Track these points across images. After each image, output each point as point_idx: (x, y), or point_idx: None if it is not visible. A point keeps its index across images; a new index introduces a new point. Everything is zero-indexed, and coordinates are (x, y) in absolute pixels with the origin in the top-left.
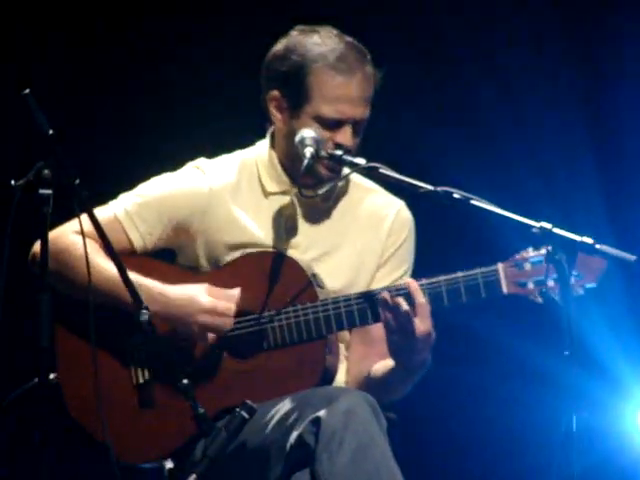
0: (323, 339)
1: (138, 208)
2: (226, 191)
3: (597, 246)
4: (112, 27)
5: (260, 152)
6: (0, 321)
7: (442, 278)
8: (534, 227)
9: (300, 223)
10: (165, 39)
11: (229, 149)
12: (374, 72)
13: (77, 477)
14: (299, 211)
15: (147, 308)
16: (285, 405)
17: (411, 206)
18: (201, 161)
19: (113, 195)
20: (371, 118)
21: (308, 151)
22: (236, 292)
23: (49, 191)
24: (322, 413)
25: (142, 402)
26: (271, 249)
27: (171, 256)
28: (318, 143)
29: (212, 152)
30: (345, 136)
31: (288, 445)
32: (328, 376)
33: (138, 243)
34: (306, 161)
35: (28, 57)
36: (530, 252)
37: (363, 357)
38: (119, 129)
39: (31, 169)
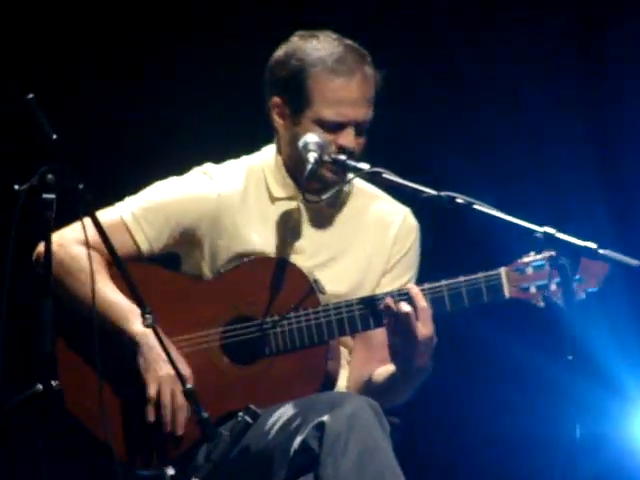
0: (325, 344)
1: (145, 212)
2: (234, 197)
3: (600, 251)
4: (119, 28)
5: (267, 157)
6: (4, 325)
7: (444, 283)
8: (537, 232)
9: (306, 229)
10: (172, 40)
11: (235, 154)
12: (374, 73)
13: None
14: (305, 217)
15: (151, 312)
16: (289, 410)
17: (413, 210)
18: (208, 166)
19: (117, 200)
20: (374, 123)
21: (312, 156)
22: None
23: (52, 196)
24: (326, 418)
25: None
26: (274, 255)
27: (175, 263)
28: (321, 148)
29: (218, 157)
30: (348, 138)
31: (292, 450)
32: (330, 381)
33: (144, 247)
34: (310, 166)
35: (31, 60)
36: (532, 256)
37: (365, 362)
38: (123, 133)
39: (35, 174)
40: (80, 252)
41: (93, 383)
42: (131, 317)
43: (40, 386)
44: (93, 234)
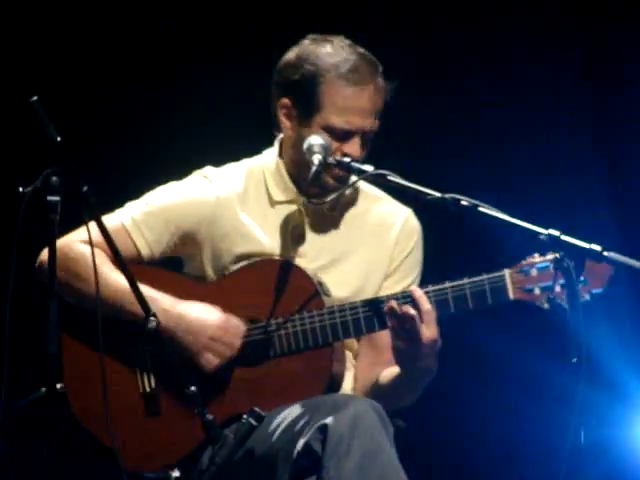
0: (329, 346)
1: (145, 216)
2: (233, 200)
3: (605, 253)
4: (123, 33)
5: (267, 160)
6: (8, 327)
7: (448, 284)
8: (542, 234)
9: (307, 232)
10: (175, 45)
11: (236, 157)
12: (385, 84)
13: None
14: (306, 220)
15: (155, 315)
16: (292, 412)
17: (418, 213)
18: (208, 170)
19: (120, 203)
20: (381, 125)
21: (316, 158)
22: (242, 326)
23: (57, 198)
24: (329, 420)
25: (149, 410)
26: (276, 257)
27: (178, 265)
28: (326, 150)
29: (219, 160)
30: (353, 147)
31: (295, 452)
32: (335, 383)
33: (145, 251)
34: (314, 168)
35: (35, 62)
36: (536, 258)
37: (370, 364)
38: (125, 136)
39: (39, 176)
40: (84, 250)
41: (98, 387)
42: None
43: (44, 389)
44: (97, 236)
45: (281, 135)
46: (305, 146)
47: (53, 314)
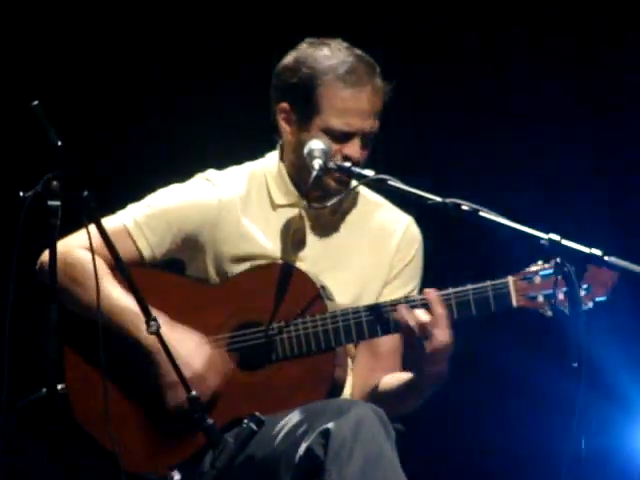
0: (332, 351)
1: (147, 218)
2: (235, 203)
3: (606, 258)
4: (124, 38)
5: (269, 164)
6: (9, 330)
7: (451, 291)
8: (543, 239)
9: (308, 236)
10: (177, 48)
11: (238, 160)
12: (383, 85)
13: None
14: (307, 224)
15: (155, 319)
16: (294, 417)
17: (419, 218)
18: (210, 173)
19: (122, 206)
20: (380, 130)
21: (317, 163)
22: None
23: (57, 202)
24: (331, 425)
25: (150, 413)
26: (280, 261)
27: (180, 268)
28: (326, 155)
29: (221, 163)
30: (354, 148)
31: (297, 457)
32: (336, 388)
33: (147, 253)
34: (315, 173)
35: (36, 67)
36: (540, 265)
37: (369, 370)
38: (127, 140)
39: (40, 180)
40: (84, 257)
41: (99, 390)
42: (139, 321)
43: (45, 389)
44: (97, 240)
45: (282, 140)
46: (305, 151)
47: (54, 317)
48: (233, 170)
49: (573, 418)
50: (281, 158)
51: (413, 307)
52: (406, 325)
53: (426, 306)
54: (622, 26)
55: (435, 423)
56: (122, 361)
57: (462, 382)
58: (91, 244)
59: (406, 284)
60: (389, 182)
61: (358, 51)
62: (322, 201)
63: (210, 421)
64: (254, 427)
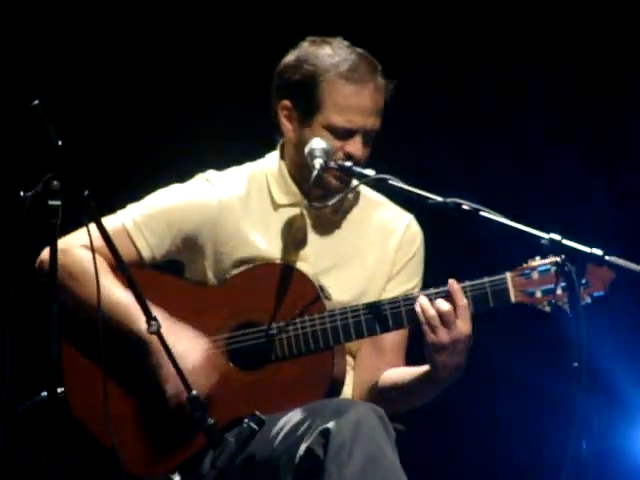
0: (330, 350)
1: (146, 219)
2: (235, 203)
3: (607, 258)
4: (125, 35)
5: (269, 164)
6: (10, 330)
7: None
8: (543, 238)
9: (310, 235)
10: (178, 48)
11: (239, 161)
12: (385, 83)
13: None
14: (308, 223)
15: (156, 319)
16: (294, 417)
17: (419, 216)
18: (210, 173)
19: (122, 206)
20: (381, 129)
21: (318, 162)
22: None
23: (58, 202)
24: (331, 425)
25: (150, 413)
26: (279, 261)
27: (179, 269)
28: (327, 154)
29: (221, 162)
30: (355, 146)
31: (297, 457)
32: (335, 387)
33: (146, 254)
34: (315, 172)
35: (36, 66)
36: (538, 261)
37: (374, 367)
38: (127, 140)
39: (40, 180)
40: (84, 255)
41: (99, 389)
42: (139, 318)
43: (45, 393)
44: (97, 240)
45: (283, 139)
46: (307, 150)
47: (54, 317)
48: (233, 171)
49: (573, 418)
50: (282, 157)
51: (437, 298)
52: (428, 315)
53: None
54: (622, 18)
55: (435, 423)
56: (121, 361)
57: (462, 381)
58: (91, 243)
59: (407, 281)
60: (390, 181)
61: (359, 49)
62: (323, 200)
63: (211, 421)
64: (255, 427)
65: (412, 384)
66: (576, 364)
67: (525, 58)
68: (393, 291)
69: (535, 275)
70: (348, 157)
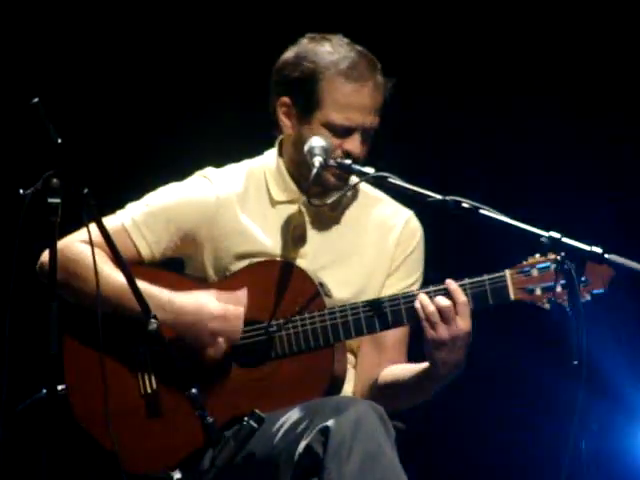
0: (331, 347)
1: (145, 217)
2: (233, 200)
3: (606, 256)
4: (123, 34)
5: (268, 161)
6: (9, 328)
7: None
8: (543, 236)
9: (308, 232)
10: (178, 48)
11: (237, 158)
12: (384, 82)
13: None
14: (307, 220)
15: (155, 317)
16: (293, 414)
17: (418, 214)
18: (208, 170)
19: (121, 204)
20: (380, 127)
21: (317, 160)
22: (244, 294)
23: (57, 200)
24: (331, 422)
25: (150, 411)
26: (279, 258)
27: (179, 266)
28: (326, 152)
29: (220, 161)
30: (354, 144)
31: (296, 454)
32: (335, 385)
33: (145, 252)
34: (315, 170)
35: (36, 64)
36: (537, 258)
37: (375, 364)
38: (126, 138)
39: (40, 178)
40: (84, 248)
41: (100, 388)
42: (152, 296)
43: (45, 391)
44: (97, 237)
45: (281, 135)
46: (306, 148)
47: (54, 315)
48: (231, 168)
49: (573, 417)
50: (280, 154)
51: (436, 295)
52: (427, 311)
53: (448, 295)
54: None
55: (435, 421)
56: (122, 358)
57: (461, 381)
58: (91, 240)
59: (407, 277)
60: (389, 179)
61: (359, 47)
62: (322, 197)
63: (210, 419)
64: (254, 424)
65: (412, 381)
66: (576, 362)
67: (526, 55)
68: (393, 287)
69: (535, 272)
70: (347, 155)
